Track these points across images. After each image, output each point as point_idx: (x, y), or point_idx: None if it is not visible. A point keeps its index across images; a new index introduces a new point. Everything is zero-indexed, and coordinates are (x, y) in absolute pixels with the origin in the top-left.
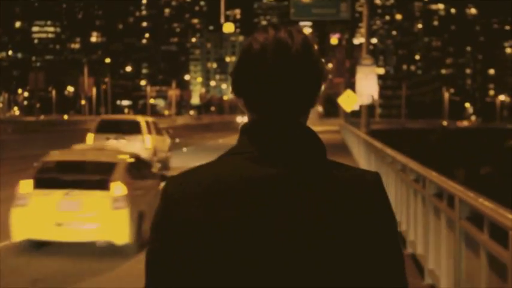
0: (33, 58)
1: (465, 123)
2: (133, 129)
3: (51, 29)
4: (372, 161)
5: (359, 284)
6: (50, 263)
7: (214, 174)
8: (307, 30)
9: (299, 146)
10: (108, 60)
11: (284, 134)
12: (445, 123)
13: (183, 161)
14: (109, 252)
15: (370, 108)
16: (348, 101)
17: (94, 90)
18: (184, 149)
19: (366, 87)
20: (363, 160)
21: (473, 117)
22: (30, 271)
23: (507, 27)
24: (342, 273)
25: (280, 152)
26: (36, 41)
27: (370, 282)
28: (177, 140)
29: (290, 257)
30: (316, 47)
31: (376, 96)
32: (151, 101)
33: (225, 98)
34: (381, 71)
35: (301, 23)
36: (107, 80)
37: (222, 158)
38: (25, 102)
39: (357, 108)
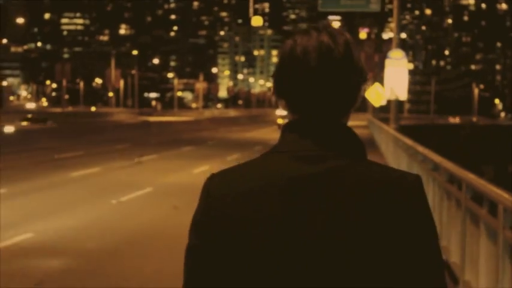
0: (62, 50)
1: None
2: None
3: (80, 21)
4: (401, 158)
5: None
6: (55, 262)
7: (258, 172)
8: (336, 24)
9: (341, 146)
10: (135, 52)
11: (326, 133)
12: (474, 119)
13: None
14: (115, 250)
15: (398, 103)
16: (376, 96)
17: (121, 82)
18: (210, 143)
19: (395, 81)
20: (391, 156)
21: (502, 114)
22: (34, 272)
23: None
24: (376, 278)
25: (322, 152)
26: (65, 32)
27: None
28: None
29: (326, 257)
30: (355, 46)
31: (405, 91)
32: (179, 93)
33: (253, 91)
34: (410, 66)
35: (330, 17)
36: (133, 72)
37: (265, 156)
38: (53, 94)
39: (384, 103)
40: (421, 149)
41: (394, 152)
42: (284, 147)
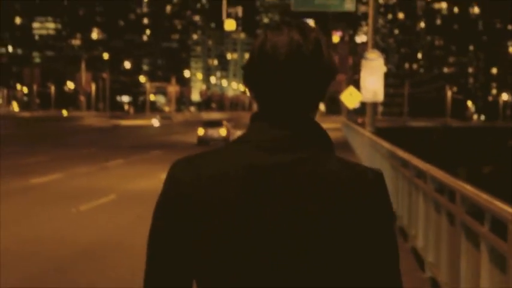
0: (34, 54)
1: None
2: None
3: (52, 25)
4: (378, 164)
5: (350, 282)
6: None
7: (221, 160)
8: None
9: (305, 139)
10: (106, 55)
11: (291, 125)
12: (448, 121)
13: None
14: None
15: (373, 105)
16: (351, 98)
17: (93, 86)
18: (180, 146)
19: (371, 83)
20: (368, 162)
21: (475, 116)
22: None
23: (510, 27)
24: (335, 268)
25: (286, 143)
26: (36, 37)
27: (363, 280)
28: None
29: (286, 245)
30: (326, 43)
31: (381, 92)
32: (152, 97)
33: (226, 95)
34: (384, 68)
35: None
36: (105, 75)
37: (229, 145)
38: (25, 98)
39: (358, 105)
40: (401, 153)
41: (370, 156)
42: (248, 137)
